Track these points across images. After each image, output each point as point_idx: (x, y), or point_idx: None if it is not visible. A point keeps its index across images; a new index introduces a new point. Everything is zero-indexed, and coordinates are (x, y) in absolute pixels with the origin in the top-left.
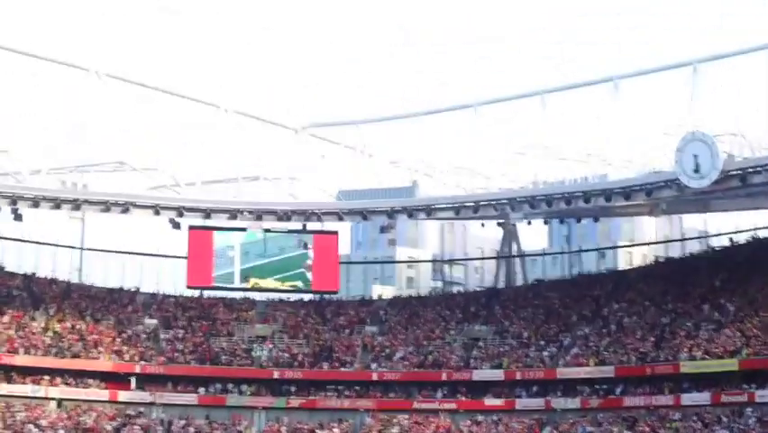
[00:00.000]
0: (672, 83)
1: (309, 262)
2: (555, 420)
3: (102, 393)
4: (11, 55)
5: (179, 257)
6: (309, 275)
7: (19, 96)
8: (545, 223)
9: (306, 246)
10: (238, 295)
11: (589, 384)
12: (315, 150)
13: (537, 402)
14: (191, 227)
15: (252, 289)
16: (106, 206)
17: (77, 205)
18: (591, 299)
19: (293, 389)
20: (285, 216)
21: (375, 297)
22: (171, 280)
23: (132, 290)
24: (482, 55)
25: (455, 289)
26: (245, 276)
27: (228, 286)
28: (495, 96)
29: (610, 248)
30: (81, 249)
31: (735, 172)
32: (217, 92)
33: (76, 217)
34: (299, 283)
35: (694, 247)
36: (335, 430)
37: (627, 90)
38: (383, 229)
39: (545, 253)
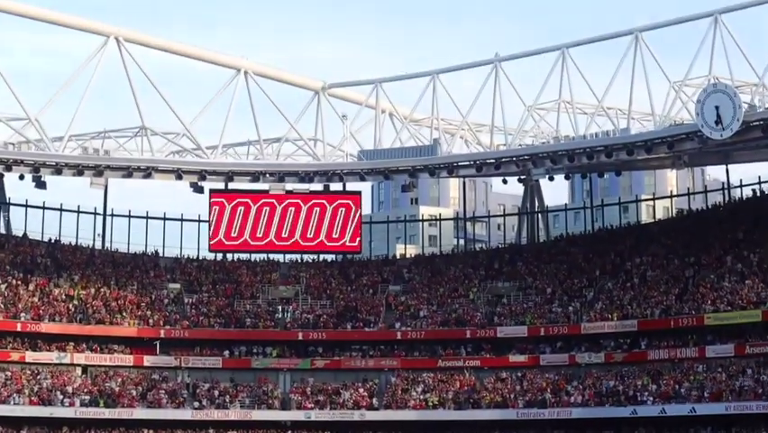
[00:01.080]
0: (693, 34)
1: None
2: (580, 375)
3: (127, 359)
4: (30, 22)
5: (202, 221)
6: None
7: (38, 63)
8: (567, 178)
9: None
10: (261, 257)
11: (613, 339)
12: (336, 110)
13: (561, 358)
14: (212, 191)
15: (276, 250)
16: (128, 171)
17: (99, 171)
18: (614, 254)
19: (318, 350)
20: (307, 177)
21: (398, 256)
22: (194, 243)
23: (155, 254)
24: (500, 9)
25: (478, 246)
26: None
27: (251, 248)
28: (515, 52)
29: (632, 202)
30: (104, 215)
31: (756, 123)
32: (237, 54)
33: (98, 184)
34: None
35: (716, 199)
36: (360, 390)
37: (648, 43)
38: (405, 188)
39: (567, 209)
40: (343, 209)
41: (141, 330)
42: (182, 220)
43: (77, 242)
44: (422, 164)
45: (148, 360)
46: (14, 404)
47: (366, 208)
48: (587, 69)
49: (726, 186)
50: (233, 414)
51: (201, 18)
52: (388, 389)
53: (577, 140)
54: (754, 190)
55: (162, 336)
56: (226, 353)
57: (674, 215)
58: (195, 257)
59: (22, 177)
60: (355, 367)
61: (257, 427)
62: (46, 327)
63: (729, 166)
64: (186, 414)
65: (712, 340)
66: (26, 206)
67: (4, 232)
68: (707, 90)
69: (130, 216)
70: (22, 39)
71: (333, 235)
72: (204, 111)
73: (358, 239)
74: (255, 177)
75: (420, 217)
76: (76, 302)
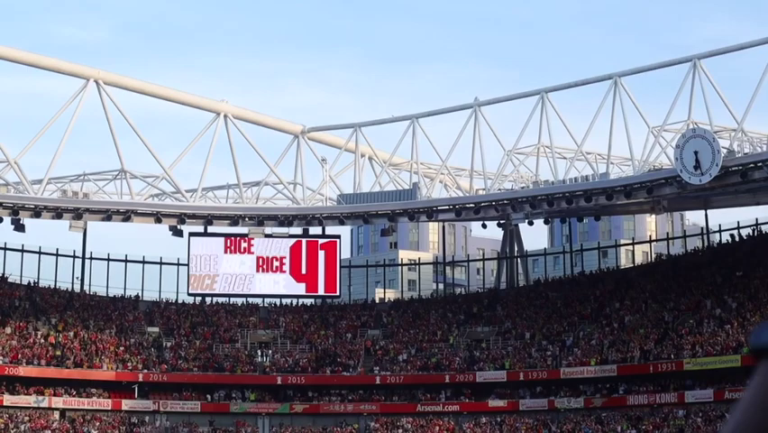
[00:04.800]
0: (672, 79)
1: None
2: (559, 420)
3: (105, 403)
4: (9, 65)
5: (181, 264)
6: None
7: (18, 105)
8: (546, 223)
9: None
10: (240, 301)
11: (592, 384)
12: (315, 154)
13: (541, 403)
14: (192, 234)
15: (253, 295)
16: (108, 214)
17: (78, 214)
18: (593, 299)
19: (297, 394)
20: (286, 220)
21: (377, 300)
22: (173, 287)
23: (135, 297)
24: (481, 55)
25: (457, 290)
26: None
27: (229, 292)
28: (494, 96)
29: (612, 246)
30: (83, 258)
31: (735, 168)
32: (217, 98)
33: (77, 227)
34: None
35: (695, 244)
36: None
37: (627, 87)
38: (384, 232)
39: (547, 253)
40: (323, 253)
41: (119, 374)
42: (161, 264)
43: (55, 285)
44: (401, 208)
45: (126, 404)
46: None
47: (345, 252)
48: (566, 114)
49: (705, 231)
50: None
51: (181, 61)
52: None
53: (556, 184)
54: (732, 235)
55: (141, 379)
56: (207, 396)
57: (653, 260)
58: (174, 300)
59: (0, 219)
60: (334, 412)
61: None
62: (24, 370)
63: (708, 211)
64: None
65: (691, 385)
66: (5, 249)
67: None
68: (686, 135)
69: (109, 260)
70: (1, 81)
71: (313, 279)
72: (183, 154)
73: (337, 283)
74: (234, 220)
75: (399, 262)
76: (54, 345)
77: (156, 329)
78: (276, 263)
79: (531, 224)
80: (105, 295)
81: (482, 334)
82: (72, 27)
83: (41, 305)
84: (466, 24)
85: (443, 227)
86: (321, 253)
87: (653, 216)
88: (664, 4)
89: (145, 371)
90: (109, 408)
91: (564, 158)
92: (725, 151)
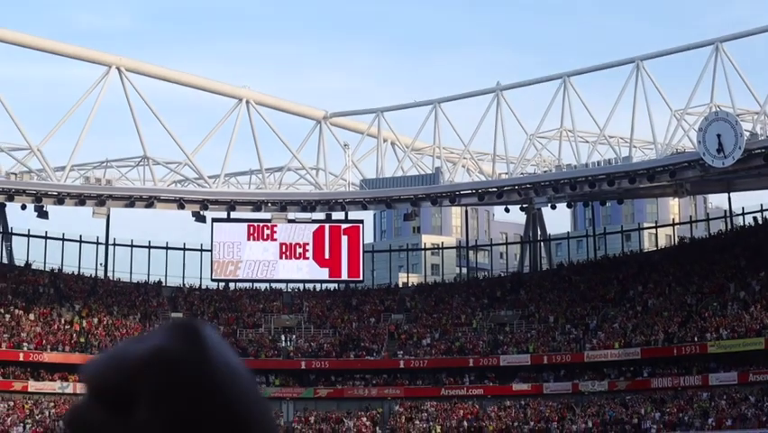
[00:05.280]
0: (694, 63)
1: None
2: (583, 403)
3: None
4: (31, 52)
5: (204, 250)
6: None
7: (40, 93)
8: (569, 206)
9: None
10: (263, 286)
11: (616, 367)
12: (338, 139)
13: (565, 386)
14: (215, 220)
15: (276, 280)
16: (131, 200)
17: (101, 200)
18: (617, 282)
19: (321, 379)
20: (309, 206)
21: (400, 285)
22: (196, 272)
23: (158, 283)
24: (503, 39)
25: (480, 274)
26: None
27: (253, 277)
28: (516, 81)
29: (635, 230)
30: (106, 244)
31: (758, 151)
32: (240, 84)
33: (100, 213)
34: None
35: (719, 227)
36: (363, 419)
37: (649, 71)
38: (407, 217)
39: (570, 237)
40: (346, 238)
41: None
42: (184, 249)
43: (79, 271)
44: (424, 193)
45: None
46: None
47: (368, 237)
48: (588, 98)
49: (728, 214)
50: None
51: (203, 48)
52: (391, 417)
53: (579, 168)
54: (755, 218)
55: None
56: None
57: (677, 243)
58: (197, 286)
59: (24, 207)
60: (358, 396)
61: None
62: (48, 356)
63: (731, 194)
64: None
65: (715, 368)
66: (28, 235)
67: (6, 262)
68: (708, 118)
69: (132, 246)
70: (24, 69)
71: (336, 264)
72: (206, 140)
73: (360, 268)
74: (257, 206)
75: (422, 246)
76: (78, 331)
77: (180, 315)
78: (299, 249)
79: (554, 207)
80: (128, 281)
81: (506, 318)
82: (94, 14)
83: (64, 291)
84: (488, 9)
85: (466, 212)
86: (344, 238)
87: (677, 199)
88: None
89: None
90: None
91: (587, 142)
92: (747, 134)
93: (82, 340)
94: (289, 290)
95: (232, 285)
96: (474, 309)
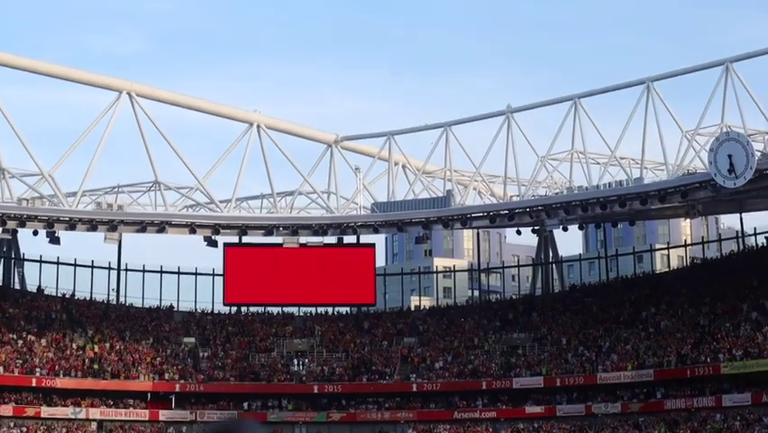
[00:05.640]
0: (705, 83)
1: None
2: (597, 426)
3: (142, 413)
4: (42, 78)
5: (216, 274)
6: None
7: (51, 119)
8: (581, 228)
9: None
10: (275, 310)
11: (629, 388)
12: (349, 163)
13: (578, 408)
14: (227, 245)
15: (290, 303)
16: (142, 225)
17: (113, 225)
18: (629, 303)
19: (334, 402)
20: (320, 229)
21: (412, 308)
22: (209, 297)
23: (170, 308)
24: (513, 62)
25: (492, 297)
26: None
27: (265, 301)
28: (527, 103)
29: (647, 251)
30: (118, 269)
31: None
32: (250, 108)
33: (112, 239)
34: None
35: (731, 247)
36: None
37: (660, 92)
38: (419, 240)
39: (582, 259)
40: (357, 262)
41: (156, 384)
42: (196, 274)
43: (91, 296)
44: (436, 216)
45: (163, 414)
46: None
47: (380, 261)
48: (599, 119)
49: (740, 234)
50: None
51: (214, 71)
52: None
53: (590, 190)
54: (767, 238)
55: (177, 390)
56: (244, 406)
57: (689, 264)
58: (209, 311)
59: (35, 232)
60: (371, 420)
61: None
62: (61, 382)
63: (743, 214)
64: None
65: (729, 389)
66: (40, 261)
67: (18, 287)
68: (719, 139)
69: (144, 271)
70: (35, 95)
71: (348, 288)
72: (217, 165)
73: (373, 291)
74: (269, 230)
75: (434, 269)
76: (91, 357)
77: (192, 340)
78: (311, 272)
79: (565, 229)
80: (140, 306)
81: (518, 340)
82: (108, 38)
83: (77, 317)
84: (498, 31)
85: (478, 234)
86: (356, 262)
87: (688, 220)
88: (696, 7)
89: (182, 381)
90: (146, 418)
91: (598, 163)
92: (759, 154)
93: (95, 366)
94: (301, 314)
95: (244, 309)
96: (487, 332)
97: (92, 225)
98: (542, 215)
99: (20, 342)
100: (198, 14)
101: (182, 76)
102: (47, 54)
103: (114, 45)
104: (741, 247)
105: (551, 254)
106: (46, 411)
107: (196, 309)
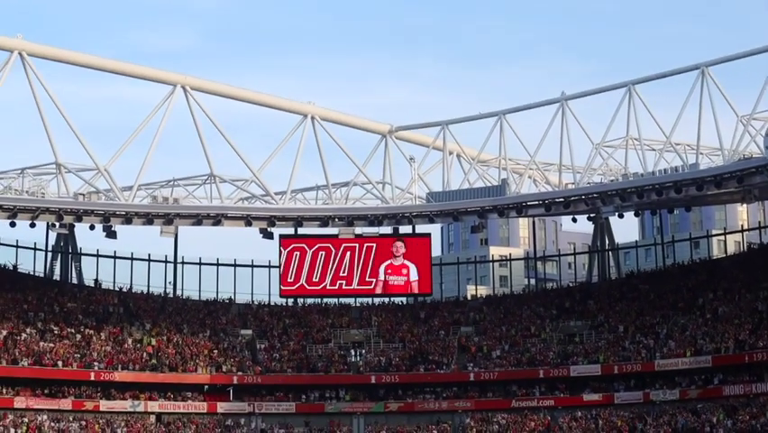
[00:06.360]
0: (759, 67)
1: None
2: (655, 413)
3: (200, 406)
4: (97, 73)
5: (272, 266)
6: None
7: (107, 113)
8: (636, 215)
9: None
10: (332, 301)
11: (687, 375)
12: (403, 153)
13: (636, 395)
14: (282, 236)
15: (346, 294)
16: (198, 219)
17: (168, 219)
18: (686, 290)
19: (391, 393)
20: (376, 220)
21: (469, 297)
22: (265, 289)
23: (227, 300)
24: (567, 49)
25: (549, 285)
26: None
27: (322, 292)
28: (581, 90)
29: (703, 237)
30: (174, 262)
31: None
32: (304, 99)
33: (168, 232)
34: None
35: None
36: (434, 432)
37: (714, 77)
38: (474, 229)
39: (638, 246)
40: (414, 252)
41: (214, 377)
42: (252, 266)
43: (148, 290)
44: (491, 205)
45: (221, 407)
46: None
47: (436, 250)
48: (654, 105)
49: None
50: None
51: (267, 64)
52: (461, 430)
53: (646, 176)
54: None
55: (235, 382)
56: (300, 397)
57: (746, 249)
58: (266, 303)
59: (92, 227)
60: (429, 409)
61: None
62: (119, 375)
63: None
64: None
65: None
66: (97, 255)
67: (76, 282)
68: None
69: (201, 264)
70: (90, 90)
71: (404, 278)
72: (272, 157)
73: (430, 281)
74: (324, 221)
75: (490, 258)
76: (149, 350)
77: (249, 332)
78: (367, 262)
79: (621, 216)
80: (197, 299)
81: (575, 328)
82: (159, 35)
83: (134, 310)
84: (551, 19)
85: (534, 222)
86: (412, 252)
87: (745, 205)
88: None
89: (240, 373)
90: (204, 411)
91: (653, 149)
92: None
93: (154, 362)
94: (358, 304)
95: (300, 301)
96: (543, 320)
97: (148, 219)
98: (597, 202)
99: (78, 336)
100: (247, 8)
101: (234, 70)
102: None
103: (164, 42)
104: None
105: (607, 242)
106: (105, 405)
107: (252, 301)
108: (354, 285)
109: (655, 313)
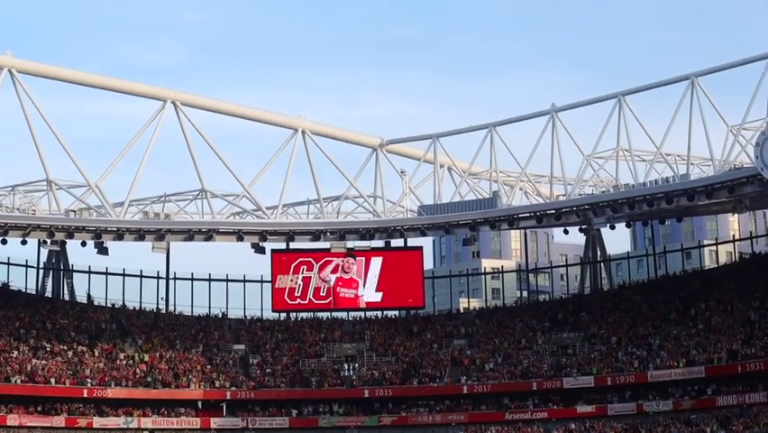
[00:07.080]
0: (749, 77)
1: None
2: (649, 424)
3: (193, 421)
4: (87, 89)
5: (265, 281)
6: None
7: (97, 129)
8: (628, 226)
9: None
10: (324, 315)
11: (680, 386)
12: (394, 166)
13: (629, 407)
14: (274, 251)
15: (339, 308)
16: (190, 234)
17: (160, 235)
18: (679, 300)
19: (385, 406)
20: (368, 234)
21: (461, 310)
22: (258, 304)
23: (220, 316)
24: (556, 61)
25: (541, 297)
26: None
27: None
28: (571, 102)
29: (695, 247)
30: (167, 278)
31: None
32: (294, 113)
33: (160, 248)
34: None
35: None
36: None
37: (704, 87)
38: (466, 242)
39: (630, 257)
40: (406, 265)
41: (207, 393)
42: (245, 281)
43: (140, 306)
44: (482, 217)
45: (215, 422)
46: None
47: (428, 263)
48: (644, 116)
49: None
50: None
51: (257, 78)
52: None
53: (637, 187)
54: None
55: (228, 397)
56: (293, 412)
57: (737, 259)
58: (259, 317)
59: (84, 243)
60: (422, 423)
61: None
62: (112, 392)
63: None
64: None
65: None
66: (89, 272)
67: (68, 299)
68: (765, 133)
69: (193, 279)
70: (80, 106)
71: (396, 292)
72: (263, 172)
73: (422, 294)
74: (316, 236)
75: (482, 271)
76: (141, 366)
77: (242, 347)
78: (359, 277)
79: (613, 228)
80: (190, 314)
81: (568, 340)
82: (146, 50)
83: (126, 327)
84: (540, 31)
85: (525, 234)
86: (404, 265)
87: (736, 215)
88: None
89: (233, 388)
90: (198, 426)
91: (644, 160)
92: None
93: (148, 380)
94: (350, 318)
95: (293, 315)
96: (536, 332)
97: (140, 235)
98: (589, 213)
99: (70, 353)
100: (237, 23)
101: (224, 84)
102: (88, 66)
103: (153, 56)
104: None
105: (599, 253)
106: (98, 422)
107: (245, 316)
108: (346, 299)
109: (648, 324)
